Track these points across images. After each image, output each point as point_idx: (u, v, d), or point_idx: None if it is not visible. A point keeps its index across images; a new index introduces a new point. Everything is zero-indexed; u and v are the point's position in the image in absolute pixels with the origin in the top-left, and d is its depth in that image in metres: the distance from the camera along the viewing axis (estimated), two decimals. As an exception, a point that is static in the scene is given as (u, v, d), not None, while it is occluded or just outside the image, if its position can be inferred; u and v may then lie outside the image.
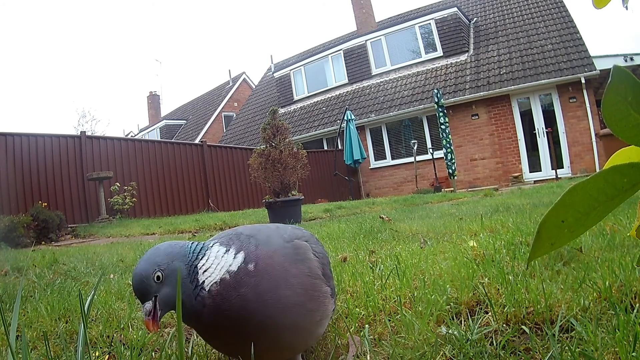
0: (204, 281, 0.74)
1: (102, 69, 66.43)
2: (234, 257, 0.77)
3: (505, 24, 13.90)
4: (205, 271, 0.75)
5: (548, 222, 0.40)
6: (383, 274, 1.53)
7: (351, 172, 13.38)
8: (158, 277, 0.73)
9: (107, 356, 1.05)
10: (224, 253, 0.78)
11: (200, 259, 0.77)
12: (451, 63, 13.60)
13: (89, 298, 0.91)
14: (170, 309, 0.74)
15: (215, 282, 0.74)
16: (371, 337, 1.03)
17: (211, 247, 0.79)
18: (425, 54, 14.28)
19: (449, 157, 11.08)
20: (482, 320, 1.04)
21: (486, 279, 1.30)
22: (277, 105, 16.75)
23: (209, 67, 72.16)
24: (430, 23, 14.09)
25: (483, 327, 0.99)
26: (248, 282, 0.74)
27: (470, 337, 0.93)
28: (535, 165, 11.66)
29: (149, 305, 0.72)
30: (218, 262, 0.77)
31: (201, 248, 0.79)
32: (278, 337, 0.77)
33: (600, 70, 10.47)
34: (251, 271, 0.75)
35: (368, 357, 0.93)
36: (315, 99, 16.34)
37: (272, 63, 20.96)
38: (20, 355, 0.78)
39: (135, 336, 1.13)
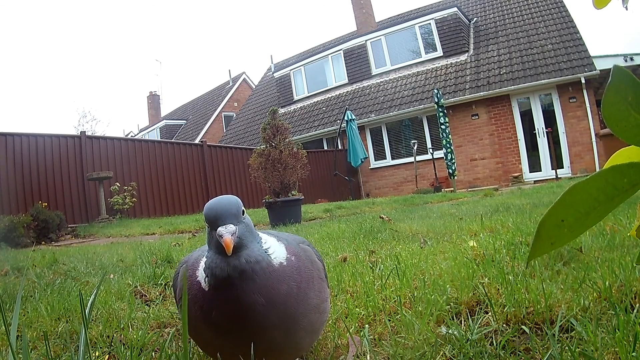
0: (268, 248, 0.75)
1: (102, 69, 66.52)
2: (280, 245, 0.78)
3: (505, 24, 13.90)
4: (269, 247, 0.76)
5: (548, 221, 0.40)
6: (383, 274, 1.53)
7: (351, 172, 13.38)
8: (243, 211, 0.75)
9: (107, 356, 1.05)
10: (271, 238, 0.79)
11: (258, 236, 0.77)
12: (451, 63, 13.60)
13: (90, 300, 0.91)
14: (241, 241, 0.72)
15: (279, 262, 0.74)
16: (371, 337, 1.03)
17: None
18: (425, 54, 14.28)
19: (449, 157, 11.08)
20: (482, 320, 1.04)
21: (486, 279, 1.30)
22: (277, 105, 16.75)
23: (209, 67, 72.25)
24: (430, 23, 14.09)
25: (483, 327, 0.99)
26: (296, 277, 0.75)
27: (470, 337, 0.93)
28: (535, 165, 11.67)
29: (232, 226, 0.70)
30: (276, 243, 0.77)
31: None
32: (293, 337, 0.77)
33: (600, 70, 10.48)
34: (295, 265, 0.76)
35: (368, 357, 0.93)
36: (315, 99, 16.34)
37: (272, 63, 20.96)
38: (21, 355, 0.78)
39: (135, 336, 1.13)
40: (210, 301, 0.72)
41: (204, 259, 0.76)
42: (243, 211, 0.75)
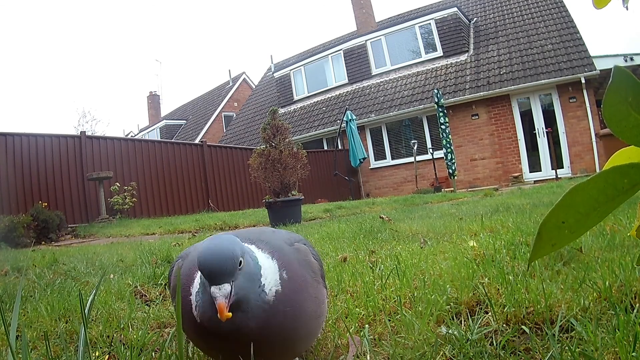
0: (264, 284, 0.70)
1: (102, 69, 66.49)
2: (273, 262, 0.74)
3: (505, 24, 13.90)
4: (265, 275, 0.71)
5: (549, 223, 0.40)
6: (383, 274, 1.53)
7: (351, 172, 13.38)
8: (240, 262, 0.67)
9: (107, 356, 1.05)
10: (263, 255, 0.74)
11: (258, 259, 0.72)
12: (451, 63, 13.60)
13: (90, 299, 0.91)
14: (239, 299, 0.66)
15: (275, 291, 0.71)
16: (371, 337, 1.03)
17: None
18: (425, 54, 14.28)
19: (449, 157, 11.08)
20: (482, 320, 1.04)
21: (486, 279, 1.30)
22: (277, 105, 16.75)
23: (209, 67, 72.21)
24: (430, 23, 14.09)
25: (483, 327, 0.99)
26: (292, 298, 0.72)
27: (470, 337, 0.93)
28: (535, 165, 11.67)
29: (227, 287, 0.64)
30: (269, 266, 0.73)
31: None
32: (293, 347, 0.77)
33: (600, 70, 10.48)
34: (287, 285, 0.73)
35: (368, 357, 0.93)
36: (315, 99, 16.34)
37: (272, 63, 20.96)
38: (20, 355, 0.78)
39: (135, 336, 1.13)
40: (202, 331, 0.71)
41: (198, 284, 0.72)
42: (240, 262, 0.67)
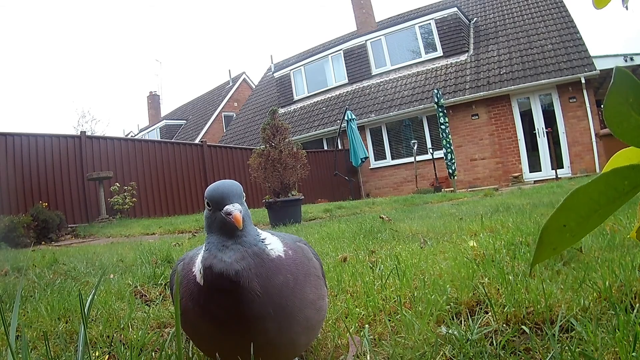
0: (265, 239, 0.76)
1: (102, 69, 66.46)
2: (276, 239, 0.79)
3: (505, 24, 13.90)
4: (265, 239, 0.76)
5: (550, 226, 0.40)
6: (383, 274, 1.53)
7: (351, 172, 13.38)
8: (244, 195, 0.77)
9: (107, 356, 1.05)
10: (266, 232, 0.80)
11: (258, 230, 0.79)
12: (451, 63, 13.59)
13: (89, 299, 0.91)
14: (244, 223, 0.73)
15: (277, 255, 0.75)
16: (371, 337, 1.03)
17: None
18: (425, 54, 14.28)
19: (449, 157, 11.08)
20: (482, 320, 1.04)
21: (486, 279, 1.30)
22: (277, 105, 16.74)
23: (209, 67, 72.26)
24: (430, 23, 14.09)
25: (483, 327, 0.99)
26: (293, 269, 0.76)
27: (470, 337, 0.93)
28: (535, 165, 11.66)
29: (239, 206, 0.73)
30: (271, 237, 0.78)
31: None
32: (288, 331, 0.76)
33: (600, 70, 10.48)
34: (292, 258, 0.77)
35: (368, 357, 0.93)
36: (315, 99, 16.34)
37: (272, 63, 20.96)
38: (20, 355, 0.78)
39: (135, 336, 1.13)
40: (206, 294, 0.72)
41: (201, 254, 0.76)
42: (244, 196, 0.77)
